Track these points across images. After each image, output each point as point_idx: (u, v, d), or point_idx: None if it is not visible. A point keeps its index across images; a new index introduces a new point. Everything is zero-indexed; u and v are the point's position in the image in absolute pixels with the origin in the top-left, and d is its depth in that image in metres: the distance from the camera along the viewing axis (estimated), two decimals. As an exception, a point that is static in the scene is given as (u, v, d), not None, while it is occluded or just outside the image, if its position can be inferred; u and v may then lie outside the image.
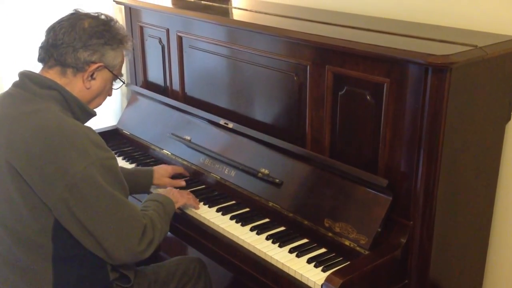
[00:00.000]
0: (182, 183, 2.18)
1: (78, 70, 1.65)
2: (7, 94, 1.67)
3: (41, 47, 1.68)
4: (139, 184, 2.10)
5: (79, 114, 1.68)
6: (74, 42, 1.63)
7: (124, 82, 1.83)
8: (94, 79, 1.68)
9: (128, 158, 2.53)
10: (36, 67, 1.71)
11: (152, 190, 2.17)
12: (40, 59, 1.69)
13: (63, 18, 1.68)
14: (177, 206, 1.95)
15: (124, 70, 2.94)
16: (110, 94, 1.82)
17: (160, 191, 2.04)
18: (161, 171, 2.18)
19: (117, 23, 1.74)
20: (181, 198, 1.99)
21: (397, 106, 1.68)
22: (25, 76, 1.65)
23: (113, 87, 1.80)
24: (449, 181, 1.71)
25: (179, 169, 2.26)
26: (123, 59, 1.77)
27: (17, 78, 1.67)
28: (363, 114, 1.78)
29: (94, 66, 1.66)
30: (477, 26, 1.94)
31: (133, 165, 2.46)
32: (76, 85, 1.66)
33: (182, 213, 2.04)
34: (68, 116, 1.62)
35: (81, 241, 1.56)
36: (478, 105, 1.75)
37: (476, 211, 1.95)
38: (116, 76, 1.75)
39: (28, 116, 1.57)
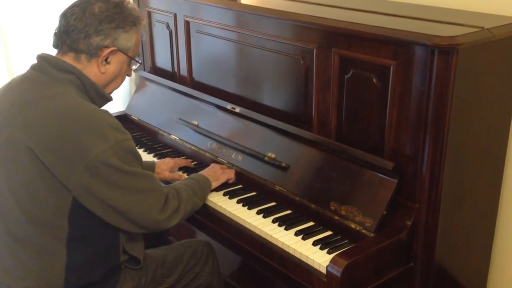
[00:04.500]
0: (182, 178, 2.18)
1: (91, 55, 1.64)
2: (25, 77, 1.67)
3: (54, 34, 1.68)
4: None
5: (95, 99, 1.69)
6: (85, 28, 1.62)
7: (140, 63, 1.82)
8: (109, 63, 1.68)
9: (137, 143, 2.54)
10: (52, 51, 1.70)
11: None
12: (54, 46, 1.69)
13: (74, 3, 1.67)
14: (217, 184, 2.02)
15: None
16: (129, 74, 1.81)
17: (203, 170, 2.08)
18: (162, 166, 2.18)
19: (130, 4, 1.72)
20: (222, 175, 2.06)
21: (403, 89, 1.67)
22: (44, 60, 1.65)
23: (132, 67, 1.79)
24: (455, 163, 1.71)
25: (182, 162, 2.26)
26: (139, 39, 1.76)
27: (35, 61, 1.67)
28: (369, 97, 1.78)
29: (107, 50, 1.65)
30: (484, 8, 1.93)
31: (141, 150, 2.48)
32: (91, 70, 1.66)
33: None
34: (86, 100, 1.63)
35: (104, 217, 1.59)
36: (485, 88, 1.75)
37: (483, 194, 1.94)
38: (132, 58, 1.74)
39: (46, 99, 1.58)
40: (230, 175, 2.10)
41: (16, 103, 1.61)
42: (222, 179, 2.06)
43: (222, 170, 2.09)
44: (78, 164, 1.51)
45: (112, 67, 1.70)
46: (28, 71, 1.68)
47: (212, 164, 2.13)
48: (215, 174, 2.04)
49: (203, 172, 2.04)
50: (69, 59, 1.65)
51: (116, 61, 1.70)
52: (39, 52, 1.69)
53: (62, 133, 1.52)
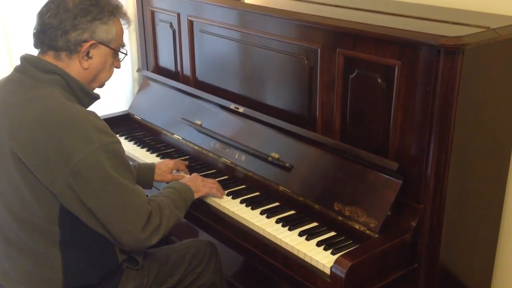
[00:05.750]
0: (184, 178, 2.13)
1: (71, 52, 1.60)
2: (9, 79, 1.65)
3: (33, 34, 1.65)
4: (140, 181, 2.00)
5: (82, 98, 1.66)
6: (61, 24, 1.57)
7: (126, 54, 1.77)
8: (90, 58, 1.64)
9: (140, 143, 2.55)
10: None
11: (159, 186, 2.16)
12: (34, 46, 1.66)
13: (49, 0, 1.63)
14: (198, 195, 1.94)
15: (135, 54, 2.97)
16: (118, 66, 1.76)
17: (185, 179, 2.01)
18: (162, 167, 2.14)
19: None
20: (203, 188, 1.97)
21: (408, 89, 1.67)
22: (26, 61, 1.62)
23: (119, 59, 1.75)
24: (460, 164, 1.70)
25: (181, 167, 2.22)
26: (121, 29, 1.70)
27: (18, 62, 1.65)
28: (374, 97, 1.77)
29: (87, 44, 1.61)
30: (490, 8, 1.92)
31: (144, 150, 2.48)
32: (74, 68, 1.63)
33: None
34: (72, 101, 1.60)
35: (89, 224, 1.57)
36: (491, 88, 1.74)
37: (487, 194, 1.94)
38: (114, 49, 1.69)
39: (30, 102, 1.55)
40: (211, 190, 2.00)
41: (0, 107, 1.59)
42: (202, 192, 1.97)
43: (203, 182, 2.00)
44: (63, 169, 1.48)
45: (95, 62, 1.65)
46: (12, 73, 1.65)
47: (194, 174, 2.05)
48: (196, 184, 1.95)
49: (184, 181, 1.95)
50: (50, 58, 1.62)
51: (98, 54, 1.65)
52: (23, 53, 1.65)
53: (46, 137, 1.49)
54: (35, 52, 1.68)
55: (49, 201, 1.54)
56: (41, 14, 1.62)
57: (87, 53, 1.63)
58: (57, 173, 1.49)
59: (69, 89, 1.62)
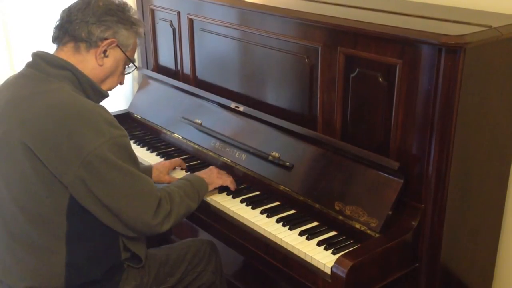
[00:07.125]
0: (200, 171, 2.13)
1: (91, 45, 1.66)
2: (21, 74, 1.69)
3: (55, 27, 1.70)
4: None
5: (91, 95, 1.69)
6: (87, 17, 1.65)
7: (136, 67, 1.85)
8: (107, 56, 1.69)
9: (140, 142, 2.54)
10: (51, 50, 1.72)
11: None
12: (54, 38, 1.71)
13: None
14: (212, 187, 1.98)
15: (135, 54, 2.96)
16: (122, 82, 1.82)
17: (201, 171, 2.03)
18: (159, 168, 2.17)
19: (131, 9, 1.77)
20: (218, 180, 2.01)
21: (410, 88, 1.66)
22: (38, 57, 1.66)
23: (125, 71, 1.81)
24: (462, 163, 1.69)
25: (178, 163, 2.24)
26: (136, 44, 1.78)
27: (30, 59, 1.68)
28: (375, 96, 1.76)
29: (107, 42, 1.67)
30: (492, 6, 1.91)
31: (144, 149, 2.47)
32: (89, 62, 1.68)
33: (193, 196, 2.04)
34: (81, 96, 1.63)
35: (98, 216, 1.58)
36: (492, 87, 1.73)
37: (489, 194, 1.93)
38: (129, 58, 1.76)
39: (41, 95, 1.59)
40: (225, 181, 2.03)
41: (11, 100, 1.62)
42: (216, 184, 2.00)
43: (219, 174, 2.03)
44: (74, 160, 1.51)
45: (109, 61, 1.71)
46: (23, 69, 1.69)
47: (211, 167, 2.08)
48: (210, 177, 1.98)
49: (199, 173, 1.99)
50: (68, 50, 1.67)
51: (114, 56, 1.72)
52: (24, 53, 1.70)
53: (57, 129, 1.52)
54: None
55: (59, 192, 1.56)
56: (70, 8, 1.69)
57: (104, 51, 1.69)
58: (68, 164, 1.51)
59: (79, 85, 1.66)
